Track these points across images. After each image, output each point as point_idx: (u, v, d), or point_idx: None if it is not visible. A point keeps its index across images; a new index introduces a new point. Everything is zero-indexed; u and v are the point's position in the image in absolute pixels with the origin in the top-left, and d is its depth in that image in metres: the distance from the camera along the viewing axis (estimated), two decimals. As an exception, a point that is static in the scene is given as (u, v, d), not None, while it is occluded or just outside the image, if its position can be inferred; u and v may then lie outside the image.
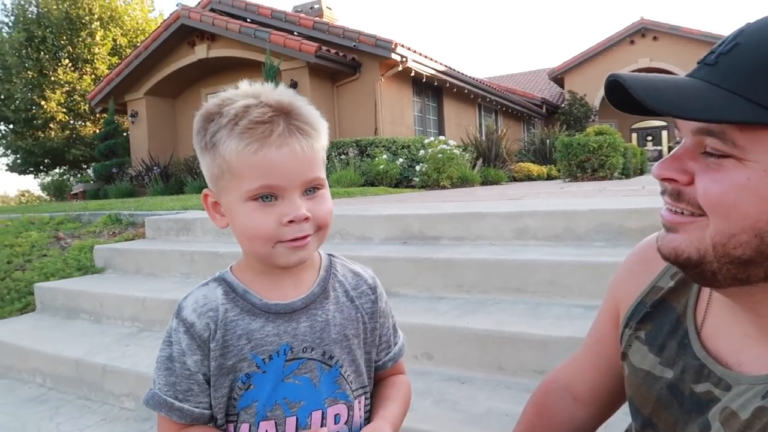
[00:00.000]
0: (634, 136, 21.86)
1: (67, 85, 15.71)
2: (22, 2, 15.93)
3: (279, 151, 0.66)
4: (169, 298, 2.53)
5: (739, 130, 0.49)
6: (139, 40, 16.37)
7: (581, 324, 1.72)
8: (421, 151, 8.24)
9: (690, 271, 0.57)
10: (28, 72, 15.28)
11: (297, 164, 0.67)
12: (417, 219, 2.78)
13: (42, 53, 15.49)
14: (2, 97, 15.95)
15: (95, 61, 16.28)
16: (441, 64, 11.33)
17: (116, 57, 16.49)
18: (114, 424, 1.96)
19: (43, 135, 16.25)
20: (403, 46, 9.72)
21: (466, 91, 12.81)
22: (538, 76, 23.67)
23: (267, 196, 0.67)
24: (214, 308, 0.73)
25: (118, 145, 12.07)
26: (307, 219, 0.68)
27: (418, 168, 7.98)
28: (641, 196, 3.35)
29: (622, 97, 0.55)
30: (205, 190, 0.74)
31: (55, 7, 15.66)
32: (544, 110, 19.07)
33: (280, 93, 0.70)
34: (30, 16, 15.86)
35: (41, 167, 17.87)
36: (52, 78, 15.47)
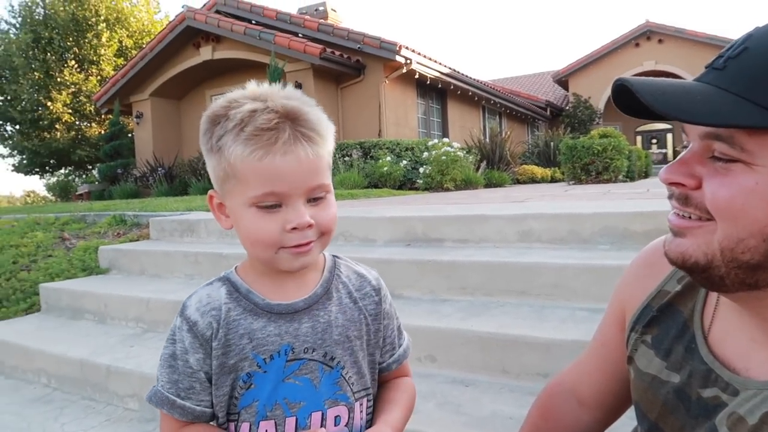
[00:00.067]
0: (639, 138, 21.80)
1: (73, 86, 15.80)
2: (30, 4, 16.05)
3: (284, 159, 0.65)
4: (174, 299, 2.53)
5: (748, 134, 0.49)
6: (144, 42, 16.45)
7: (586, 327, 1.72)
8: (425, 153, 8.24)
9: (697, 275, 0.57)
10: (35, 73, 15.38)
11: (302, 171, 0.67)
12: (421, 221, 2.78)
13: (48, 54, 15.60)
14: (9, 97, 16.06)
15: (101, 62, 16.37)
16: (445, 66, 11.33)
17: (122, 58, 16.58)
18: (118, 424, 1.97)
19: (48, 136, 16.35)
20: (407, 48, 9.73)
21: (470, 93, 12.80)
22: (542, 78, 23.65)
23: (271, 202, 0.67)
24: (217, 307, 0.73)
25: (123, 146, 12.12)
26: (310, 226, 0.68)
27: (421, 170, 7.98)
28: (646, 199, 3.34)
29: (629, 101, 0.55)
30: (210, 192, 0.75)
31: (61, 8, 15.77)
32: (548, 113, 19.04)
33: (287, 96, 0.70)
34: (37, 17, 15.97)
35: (47, 168, 17.98)
36: (59, 79, 15.56)
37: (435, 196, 5.90)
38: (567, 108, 19.67)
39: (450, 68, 11.55)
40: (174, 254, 3.17)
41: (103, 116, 15.86)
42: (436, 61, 10.92)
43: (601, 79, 19.12)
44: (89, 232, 4.33)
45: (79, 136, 16.78)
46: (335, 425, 0.74)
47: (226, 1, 11.12)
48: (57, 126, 16.13)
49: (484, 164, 9.79)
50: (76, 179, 17.44)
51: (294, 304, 0.74)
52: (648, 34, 19.03)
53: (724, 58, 0.53)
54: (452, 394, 1.67)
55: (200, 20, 10.45)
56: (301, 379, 0.73)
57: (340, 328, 0.76)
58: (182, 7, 10.88)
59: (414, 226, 2.79)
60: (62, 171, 18.40)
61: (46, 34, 15.61)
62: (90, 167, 17.75)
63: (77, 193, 12.61)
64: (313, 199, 0.69)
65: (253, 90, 0.70)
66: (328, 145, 0.71)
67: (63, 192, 13.65)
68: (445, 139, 8.66)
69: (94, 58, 16.26)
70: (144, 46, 13.49)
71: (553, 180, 11.05)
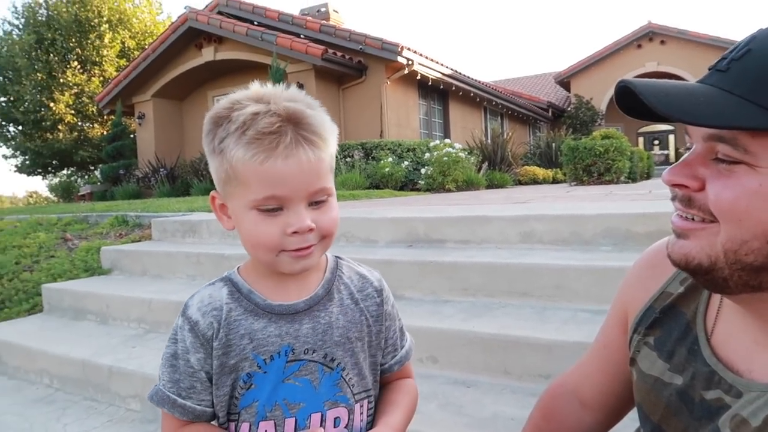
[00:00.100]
0: (641, 140, 21.78)
1: (75, 87, 15.85)
2: (33, 5, 16.10)
3: (285, 163, 0.65)
4: (176, 300, 2.54)
5: (751, 136, 0.49)
6: (147, 43, 16.49)
7: (588, 328, 1.72)
8: (427, 154, 8.24)
9: (701, 277, 0.57)
10: (38, 74, 15.43)
11: (303, 175, 0.66)
12: (422, 222, 2.78)
13: (51, 55, 15.65)
14: (12, 98, 16.11)
15: (103, 63, 16.42)
16: (447, 67, 11.34)
17: (124, 59, 16.63)
18: (120, 425, 1.97)
19: (51, 136, 16.39)
20: (409, 49, 9.74)
21: (471, 94, 12.80)
22: (544, 79, 23.64)
23: (272, 206, 0.67)
24: (218, 307, 0.74)
25: (126, 146, 12.15)
26: (311, 230, 0.68)
27: (423, 171, 7.98)
28: (648, 200, 3.33)
29: (632, 103, 0.55)
30: (212, 192, 0.75)
31: (64, 9, 15.82)
32: (550, 114, 19.03)
33: (290, 98, 0.69)
34: (40, 18, 16.03)
35: (49, 168, 18.03)
36: (61, 80, 15.61)
37: (436, 197, 5.90)
38: (569, 109, 19.66)
39: (452, 69, 11.55)
40: (176, 255, 3.17)
41: (105, 117, 15.91)
42: (437, 62, 10.92)
43: (603, 80, 19.11)
44: (91, 232, 4.34)
45: (82, 137, 16.83)
46: (335, 427, 0.74)
47: (228, 2, 11.15)
48: (59, 127, 16.18)
49: (485, 165, 9.79)
50: (79, 180, 17.47)
51: (295, 305, 0.74)
52: (650, 35, 19.01)
53: (728, 60, 0.53)
54: (454, 395, 1.67)
55: (202, 21, 10.47)
56: (300, 380, 0.73)
57: (341, 330, 0.76)
58: (184, 8, 10.91)
59: (416, 227, 2.79)
60: (65, 172, 18.45)
61: (49, 35, 15.66)
62: (92, 168, 17.78)
63: (79, 194, 12.65)
64: (315, 203, 0.69)
65: (256, 91, 0.70)
66: (330, 148, 0.70)
67: (65, 193, 13.69)
68: (447, 140, 8.66)
69: (97, 59, 16.31)
70: (146, 47, 13.51)
71: (555, 181, 11.04)
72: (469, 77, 12.41)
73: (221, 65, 11.02)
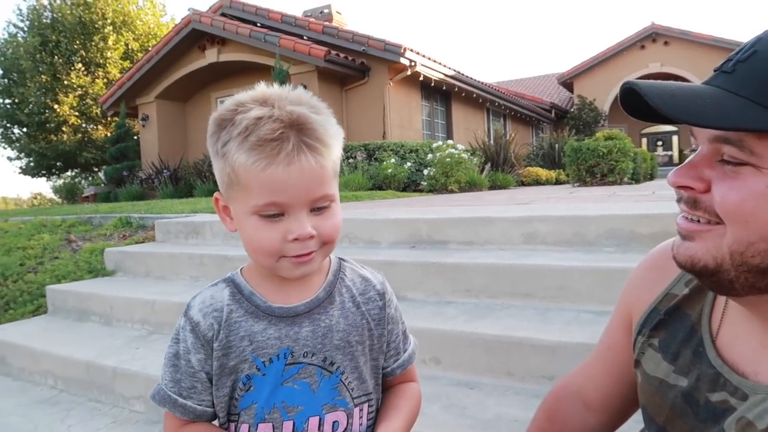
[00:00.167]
0: (644, 141, 21.71)
1: (79, 88, 15.91)
2: (38, 7, 16.19)
3: (287, 170, 0.64)
4: (179, 301, 2.54)
5: (757, 138, 0.49)
6: (150, 45, 16.55)
7: (591, 330, 1.71)
8: (429, 155, 8.23)
9: (706, 279, 0.57)
10: (42, 76, 15.50)
11: (305, 183, 0.66)
12: (425, 223, 2.78)
13: (56, 57, 15.71)
14: (16, 100, 16.19)
15: (107, 65, 16.48)
16: (450, 68, 11.34)
17: (128, 61, 16.68)
18: (124, 426, 1.98)
19: (55, 138, 16.46)
20: (411, 50, 9.75)
21: (474, 95, 12.80)
22: (547, 80, 23.61)
23: (273, 212, 0.67)
24: (219, 309, 0.74)
25: (129, 148, 12.19)
26: (312, 237, 0.68)
27: (426, 172, 7.98)
28: (652, 201, 3.32)
29: (637, 104, 0.55)
30: (216, 194, 0.75)
31: (69, 12, 15.90)
32: (553, 115, 19.01)
33: (296, 100, 0.68)
34: (45, 21, 16.10)
35: (53, 170, 18.10)
36: (65, 82, 15.68)
37: (439, 198, 5.90)
38: (572, 110, 19.62)
39: (454, 70, 11.55)
40: (179, 256, 3.18)
41: (109, 119, 15.96)
42: (440, 63, 10.92)
43: (606, 81, 19.07)
44: (95, 234, 4.35)
45: (86, 139, 16.89)
46: (333, 430, 0.74)
47: (231, 3, 11.18)
48: (64, 128, 16.24)
49: (488, 166, 9.78)
50: (83, 181, 17.54)
51: (295, 307, 0.74)
52: (653, 36, 18.96)
53: (734, 61, 0.53)
54: (457, 397, 1.66)
55: (206, 23, 10.51)
56: (299, 383, 0.73)
57: (341, 333, 0.75)
58: (188, 9, 10.95)
59: (418, 228, 2.79)
60: (69, 173, 18.52)
61: (54, 37, 15.73)
62: (96, 169, 17.84)
63: (83, 195, 12.69)
64: (317, 209, 0.69)
65: (262, 92, 0.69)
66: (333, 154, 0.69)
67: (69, 194, 13.74)
68: (450, 141, 8.66)
69: (101, 61, 16.37)
70: (150, 48, 13.56)
71: (558, 182, 11.02)
72: (471, 78, 12.40)
73: (224, 67, 11.05)
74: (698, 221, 0.56)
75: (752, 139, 0.49)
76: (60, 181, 17.61)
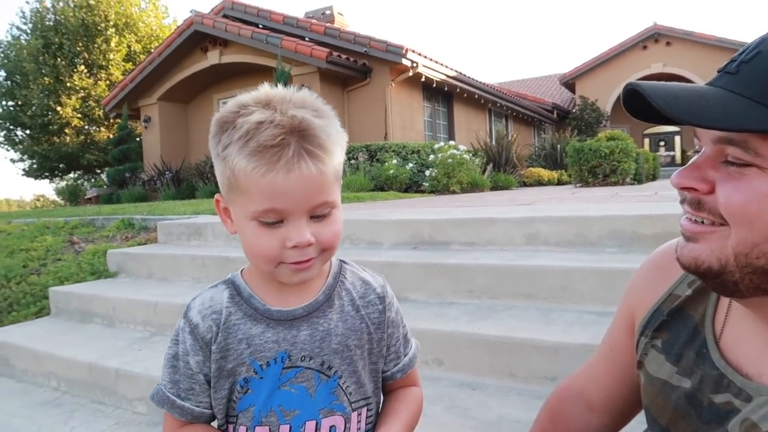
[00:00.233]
0: (647, 141, 21.69)
1: (82, 90, 15.97)
2: (40, 10, 16.25)
3: (287, 177, 0.63)
4: (181, 303, 2.54)
5: (762, 138, 0.49)
6: (153, 46, 16.60)
7: (593, 330, 1.71)
8: (431, 156, 8.23)
9: (711, 281, 0.56)
10: (45, 78, 15.56)
11: (305, 190, 0.65)
12: (427, 224, 2.78)
13: (58, 60, 15.77)
14: (20, 103, 16.25)
15: (110, 67, 16.53)
16: (451, 69, 11.34)
17: (130, 63, 16.73)
18: (127, 428, 1.98)
19: (58, 140, 16.52)
20: (413, 51, 9.75)
21: (476, 96, 12.79)
22: (549, 81, 23.59)
23: (272, 219, 0.66)
24: (218, 311, 0.74)
25: (132, 150, 12.22)
26: (310, 244, 0.67)
27: (427, 173, 7.98)
28: (654, 202, 3.32)
29: (640, 105, 0.55)
30: (217, 196, 0.74)
31: (71, 14, 15.96)
32: (554, 115, 18.99)
33: (299, 103, 0.67)
34: (48, 23, 16.16)
35: (56, 172, 18.15)
36: (68, 84, 15.73)
37: (441, 199, 5.90)
38: (574, 111, 19.60)
39: (456, 71, 11.55)
40: (181, 258, 3.18)
41: (111, 120, 16.02)
42: (442, 64, 10.93)
43: (608, 81, 19.04)
44: (98, 235, 4.36)
45: (88, 141, 16.94)
46: None
47: (233, 5, 11.21)
48: (66, 130, 16.29)
49: (490, 167, 9.78)
50: (85, 183, 17.57)
51: (293, 311, 0.74)
52: (656, 36, 18.93)
53: (738, 62, 0.52)
54: (459, 398, 1.66)
55: (208, 25, 10.53)
56: (296, 387, 0.72)
57: (340, 337, 0.75)
58: (190, 11, 10.98)
59: (420, 229, 2.79)
60: (71, 175, 18.56)
61: (57, 39, 15.79)
62: (99, 171, 17.89)
63: (86, 197, 12.72)
64: (317, 216, 0.68)
65: (265, 94, 0.68)
66: (335, 160, 0.68)
67: (72, 196, 13.76)
68: (452, 142, 8.65)
69: (103, 63, 16.42)
70: (152, 50, 13.61)
71: (560, 183, 11.00)
72: (473, 79, 12.40)
73: (226, 68, 11.07)
74: (702, 222, 0.56)
75: (757, 140, 0.49)
76: (63, 183, 17.63)
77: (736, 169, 0.52)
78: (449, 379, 1.79)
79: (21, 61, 15.56)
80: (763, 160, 0.49)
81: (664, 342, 0.68)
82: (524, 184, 10.47)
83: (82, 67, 16.02)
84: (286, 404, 0.72)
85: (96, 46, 16.24)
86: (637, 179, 8.99)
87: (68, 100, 15.71)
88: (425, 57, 10.23)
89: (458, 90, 11.96)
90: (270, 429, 0.72)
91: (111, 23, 16.44)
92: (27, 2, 21.13)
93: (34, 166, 17.67)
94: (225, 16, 11.10)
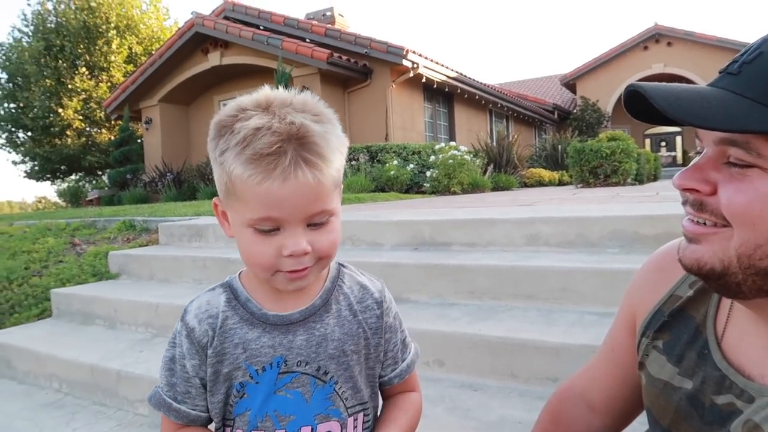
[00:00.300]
0: (648, 141, 21.67)
1: (83, 92, 15.99)
2: (42, 12, 16.29)
3: (283, 185, 0.62)
4: (182, 304, 2.53)
5: (764, 140, 0.49)
6: (154, 48, 16.62)
7: (595, 331, 1.71)
8: (432, 157, 8.23)
9: (713, 282, 0.56)
10: (47, 80, 15.59)
11: (301, 198, 0.64)
12: (428, 225, 2.78)
13: (60, 62, 15.80)
14: (21, 105, 16.28)
15: (111, 69, 16.55)
16: (452, 70, 11.34)
17: (131, 65, 16.76)
18: (128, 429, 1.98)
19: (60, 142, 16.54)
20: (414, 52, 9.76)
21: (477, 97, 12.80)
22: (549, 82, 23.59)
23: (268, 227, 0.65)
24: (214, 315, 0.73)
25: (133, 151, 12.24)
26: (306, 253, 0.66)
27: (428, 174, 7.98)
28: (655, 202, 3.31)
29: (641, 106, 0.55)
30: (215, 199, 0.74)
31: (73, 16, 15.99)
32: (555, 116, 18.98)
33: (299, 107, 0.66)
34: (49, 25, 16.19)
35: (58, 174, 18.18)
36: (70, 86, 15.76)
37: (442, 200, 5.90)
38: (575, 111, 19.59)
39: (457, 72, 11.56)
40: (183, 259, 3.19)
41: (113, 122, 16.04)
42: (442, 65, 10.93)
43: (609, 82, 19.04)
44: (99, 237, 4.37)
45: (90, 142, 16.96)
46: None
47: (234, 7, 11.23)
48: (68, 132, 16.32)
49: (491, 168, 9.77)
50: (87, 185, 17.60)
51: (289, 315, 0.73)
52: (657, 37, 18.92)
53: (739, 62, 0.52)
54: (461, 399, 1.66)
55: (209, 26, 10.55)
56: (292, 392, 0.72)
57: (336, 342, 0.74)
58: (191, 13, 10.99)
59: (421, 229, 2.79)
60: (73, 177, 18.59)
61: (58, 41, 15.82)
62: (100, 173, 17.92)
63: (87, 199, 12.74)
64: (314, 224, 0.67)
65: (266, 97, 0.67)
66: (333, 168, 0.67)
67: (73, 198, 13.79)
68: (452, 143, 8.65)
69: (105, 65, 16.45)
70: (153, 52, 13.64)
71: (561, 183, 11.00)
72: (474, 80, 12.41)
73: (227, 70, 11.09)
74: (704, 224, 0.55)
75: (759, 141, 0.49)
76: (64, 185, 17.65)
77: (738, 170, 0.52)
78: (450, 380, 1.79)
79: (22, 63, 15.59)
80: (765, 161, 0.49)
81: (666, 343, 0.68)
82: (525, 185, 10.46)
83: (84, 69, 16.04)
84: (281, 409, 0.72)
85: (97, 48, 16.27)
86: (639, 180, 8.98)
87: (70, 102, 15.74)
88: (426, 58, 10.23)
89: (459, 91, 11.96)
90: None
91: (112, 25, 16.46)
92: (28, 4, 21.19)
93: (36, 168, 17.70)
94: (226, 18, 11.12)
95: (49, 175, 18.16)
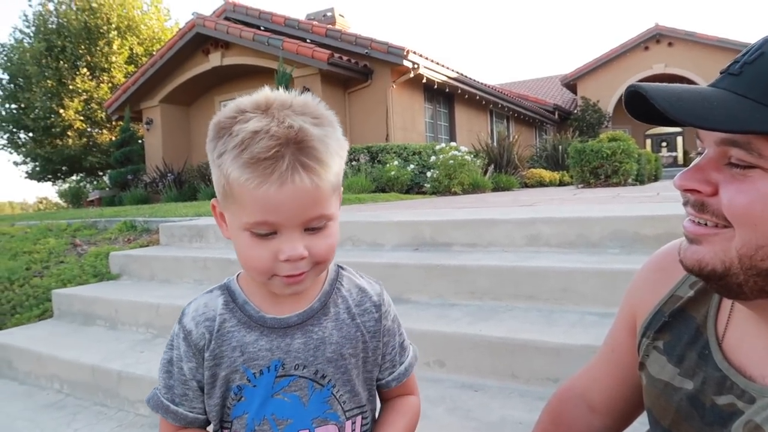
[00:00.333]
0: (648, 142, 21.67)
1: (84, 93, 16.01)
2: (43, 13, 16.32)
3: (280, 190, 0.62)
4: (183, 305, 2.51)
5: (765, 140, 0.49)
6: (155, 49, 16.65)
7: (595, 332, 1.71)
8: (432, 158, 8.23)
9: (714, 283, 0.56)
10: (48, 81, 15.61)
11: (299, 203, 0.63)
12: (428, 225, 2.78)
13: (61, 62, 15.83)
14: (22, 106, 16.31)
15: (112, 69, 16.58)
16: (453, 70, 11.35)
17: (132, 65, 16.78)
18: (129, 430, 1.98)
19: (61, 143, 16.57)
20: (414, 52, 9.76)
21: (477, 97, 12.80)
22: (550, 82, 23.59)
23: (265, 231, 0.64)
24: (211, 318, 0.73)
25: (134, 152, 12.26)
26: (303, 258, 0.65)
27: (429, 174, 7.98)
28: (656, 203, 3.31)
29: (642, 107, 0.55)
30: (213, 201, 0.73)
31: (74, 17, 16.01)
32: (556, 116, 18.98)
33: (299, 110, 0.65)
34: (50, 26, 16.23)
35: (59, 174, 18.21)
36: (71, 87, 15.78)
37: (442, 200, 5.90)
38: (575, 111, 19.59)
39: (457, 72, 11.56)
40: (183, 260, 3.19)
41: (114, 123, 16.05)
42: (443, 66, 10.93)
43: (610, 82, 19.03)
44: (100, 238, 4.37)
45: (91, 143, 16.99)
46: None
47: (235, 8, 11.24)
48: (69, 133, 16.34)
49: (491, 168, 9.77)
50: (88, 185, 17.63)
51: (287, 318, 0.73)
52: (658, 37, 18.91)
53: (741, 63, 0.52)
54: (461, 399, 1.66)
55: (209, 27, 10.56)
56: (289, 395, 0.72)
57: (334, 345, 0.74)
58: (192, 14, 11.01)
59: (422, 230, 2.79)
60: (74, 177, 18.62)
61: (59, 42, 15.85)
62: (101, 173, 17.95)
63: (88, 200, 12.75)
64: (312, 228, 0.66)
65: (265, 98, 0.66)
66: (332, 172, 0.66)
67: (74, 198, 13.80)
68: (453, 143, 8.65)
69: (106, 66, 16.47)
70: (154, 53, 13.64)
71: (562, 183, 10.99)
72: (474, 80, 12.41)
73: (228, 70, 11.10)
74: (705, 224, 0.55)
75: (760, 141, 0.49)
76: (65, 186, 17.68)
77: (739, 170, 0.51)
78: (451, 381, 1.78)
79: (24, 64, 15.62)
80: (766, 162, 0.49)
81: (666, 343, 0.68)
82: (526, 185, 10.46)
83: (85, 69, 16.07)
84: (279, 413, 0.71)
85: (98, 48, 16.29)
86: (639, 180, 8.97)
87: (71, 103, 15.77)
88: (426, 58, 10.24)
89: (459, 91, 11.96)
90: None
91: (113, 26, 16.49)
92: (30, 5, 21.21)
93: (37, 168, 17.72)
94: (227, 19, 11.14)
95: (50, 176, 18.18)
